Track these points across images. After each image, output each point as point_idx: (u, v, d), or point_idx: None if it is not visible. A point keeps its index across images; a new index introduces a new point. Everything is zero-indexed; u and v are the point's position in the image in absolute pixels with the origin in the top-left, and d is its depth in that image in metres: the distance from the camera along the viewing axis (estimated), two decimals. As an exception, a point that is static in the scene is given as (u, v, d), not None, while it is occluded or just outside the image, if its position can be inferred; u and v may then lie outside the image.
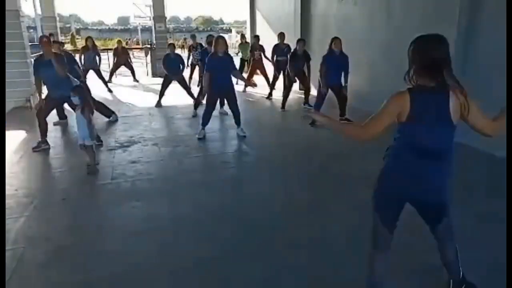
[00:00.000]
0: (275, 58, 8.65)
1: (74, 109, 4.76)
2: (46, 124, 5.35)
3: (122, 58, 11.86)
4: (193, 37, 10.76)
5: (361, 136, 1.96)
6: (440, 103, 1.80)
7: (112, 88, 10.68)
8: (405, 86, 1.87)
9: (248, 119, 6.67)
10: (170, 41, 14.62)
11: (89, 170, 4.44)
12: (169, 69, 8.00)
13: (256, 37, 10.20)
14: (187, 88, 8.29)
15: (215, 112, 6.39)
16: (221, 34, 5.86)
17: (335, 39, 6.20)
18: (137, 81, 12.29)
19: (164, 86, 8.22)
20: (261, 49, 9.69)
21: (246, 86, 9.71)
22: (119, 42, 12.46)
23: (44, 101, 5.30)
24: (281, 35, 8.61)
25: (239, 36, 15.67)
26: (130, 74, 12.29)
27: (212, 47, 5.67)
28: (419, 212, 2.07)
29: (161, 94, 8.32)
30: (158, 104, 8.31)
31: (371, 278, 2.11)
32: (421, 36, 1.85)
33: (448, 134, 1.86)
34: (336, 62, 6.20)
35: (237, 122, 5.98)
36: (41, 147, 5.27)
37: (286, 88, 7.90)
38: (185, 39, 30.06)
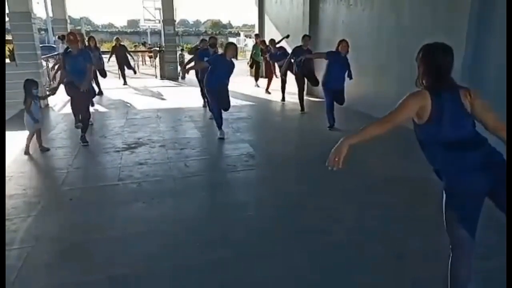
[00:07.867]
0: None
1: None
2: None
3: (120, 54, 12.21)
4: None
5: (380, 132, 1.97)
6: (455, 100, 1.89)
7: (121, 90, 10.74)
8: (414, 89, 1.89)
9: (260, 121, 6.62)
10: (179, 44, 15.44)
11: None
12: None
13: (263, 42, 11.28)
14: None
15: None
16: (232, 41, 6.26)
17: (342, 42, 6.20)
18: (126, 83, 12.52)
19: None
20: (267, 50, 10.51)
21: (268, 88, 10.56)
22: (117, 39, 12.87)
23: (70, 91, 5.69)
24: (271, 41, 9.46)
25: (247, 40, 16.14)
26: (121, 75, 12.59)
27: (223, 51, 5.90)
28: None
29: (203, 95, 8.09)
30: (204, 105, 8.31)
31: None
32: (428, 44, 1.97)
33: (469, 123, 1.91)
34: (340, 62, 6.19)
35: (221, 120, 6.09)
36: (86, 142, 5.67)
37: (299, 90, 7.82)
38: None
